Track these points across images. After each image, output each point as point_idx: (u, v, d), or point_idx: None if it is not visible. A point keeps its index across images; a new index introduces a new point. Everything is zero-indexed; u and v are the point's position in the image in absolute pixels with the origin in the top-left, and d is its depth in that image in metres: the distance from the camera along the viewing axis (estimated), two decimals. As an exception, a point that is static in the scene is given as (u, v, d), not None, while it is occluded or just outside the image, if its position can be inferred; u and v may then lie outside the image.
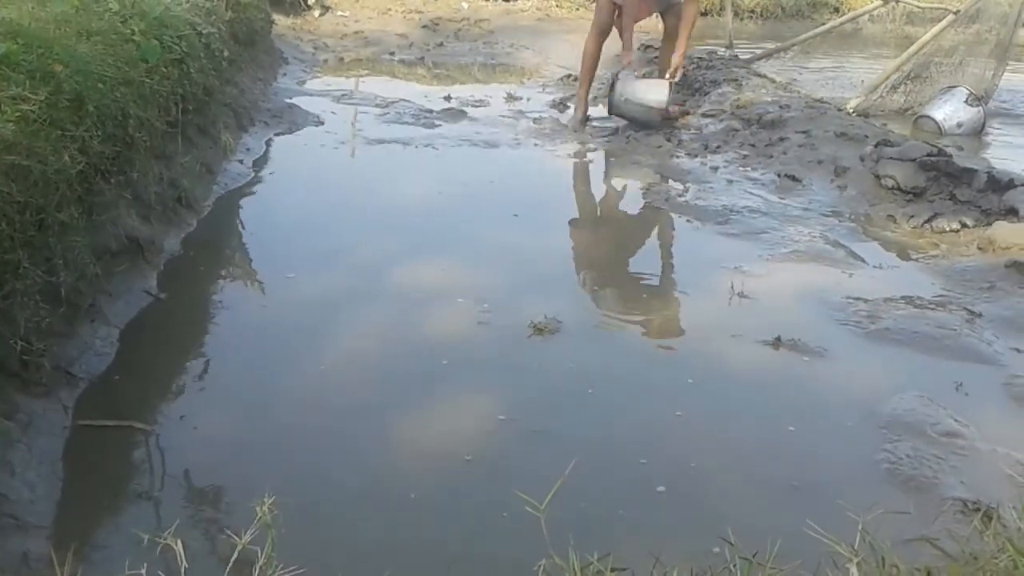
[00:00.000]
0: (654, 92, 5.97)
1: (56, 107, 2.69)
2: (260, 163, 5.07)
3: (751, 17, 11.95)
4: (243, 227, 4.14)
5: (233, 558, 1.31)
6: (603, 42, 6.28)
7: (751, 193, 4.84)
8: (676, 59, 6.02)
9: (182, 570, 1.25)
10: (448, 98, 6.92)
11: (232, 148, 4.94)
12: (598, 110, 6.77)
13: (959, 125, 6.29)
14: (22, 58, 2.73)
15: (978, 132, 6.38)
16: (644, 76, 6.26)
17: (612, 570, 1.29)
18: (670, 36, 6.27)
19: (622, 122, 6.33)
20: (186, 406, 2.62)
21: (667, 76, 6.06)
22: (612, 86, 6.06)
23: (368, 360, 2.96)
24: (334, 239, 4.01)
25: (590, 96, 6.47)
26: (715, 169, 5.25)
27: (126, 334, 2.94)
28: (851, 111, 6.42)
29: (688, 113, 6.42)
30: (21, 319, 2.36)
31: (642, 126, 6.06)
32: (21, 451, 2.19)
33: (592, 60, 6.27)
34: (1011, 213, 4.20)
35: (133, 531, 1.90)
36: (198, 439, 2.46)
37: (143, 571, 1.26)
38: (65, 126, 2.71)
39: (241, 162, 4.92)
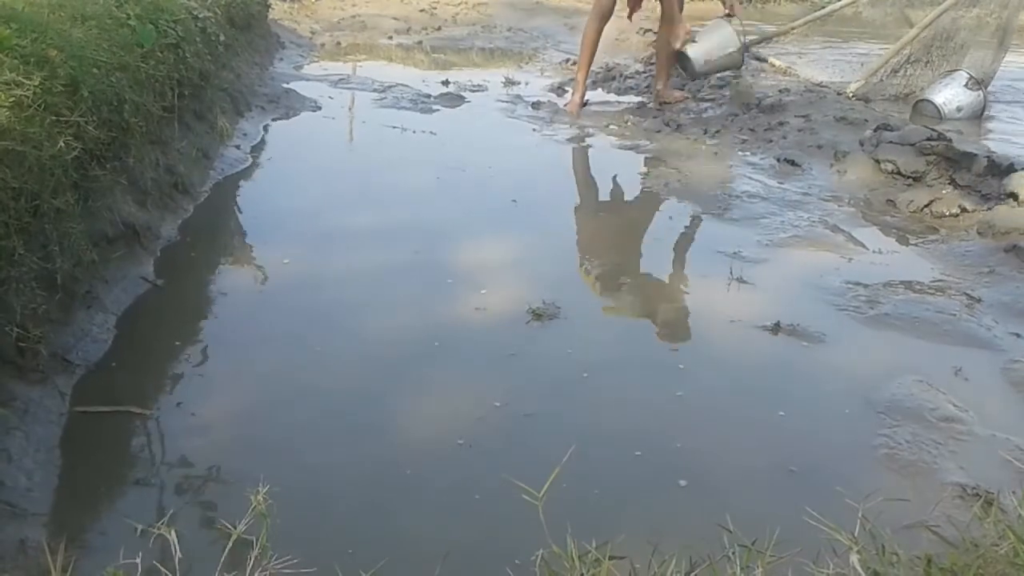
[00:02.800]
0: (723, 37, 6.18)
1: (51, 92, 2.67)
2: (257, 149, 5.05)
3: (751, 1, 11.89)
4: (240, 213, 4.13)
5: (228, 547, 1.31)
6: (603, 27, 6.25)
7: (750, 178, 4.82)
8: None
9: (176, 560, 1.25)
10: (446, 83, 6.89)
11: (229, 133, 4.92)
12: (597, 94, 6.75)
13: (959, 109, 6.27)
14: (16, 43, 2.70)
15: (978, 116, 6.35)
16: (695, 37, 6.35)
17: (610, 558, 1.28)
18: (666, 20, 6.24)
19: (620, 106, 6.32)
20: (183, 393, 2.61)
21: (725, 13, 6.26)
22: (683, 60, 6.24)
23: (364, 345, 2.96)
24: (331, 225, 3.99)
25: (588, 80, 6.44)
26: (714, 154, 5.23)
27: (123, 321, 2.93)
28: (851, 95, 6.40)
29: (687, 97, 6.40)
30: (17, 306, 2.35)
31: (730, 71, 6.40)
32: (18, 438, 2.19)
33: (592, 45, 6.24)
34: (1011, 197, 4.19)
35: (129, 519, 1.90)
36: (195, 426, 2.45)
37: (138, 560, 1.25)
38: (60, 111, 2.69)
39: (238, 147, 4.90)
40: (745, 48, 6.30)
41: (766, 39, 7.92)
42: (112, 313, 2.94)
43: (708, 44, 6.18)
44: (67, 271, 2.66)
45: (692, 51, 6.14)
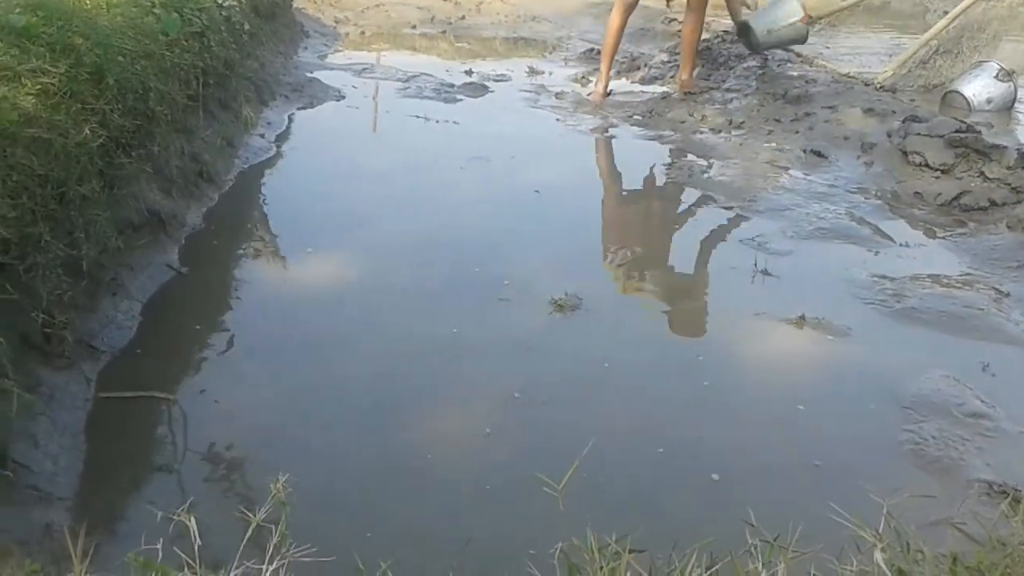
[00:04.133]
0: (789, 7, 6.10)
1: (76, 80, 2.69)
2: (281, 138, 5.06)
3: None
4: (264, 202, 4.14)
5: (247, 535, 1.31)
6: (628, 17, 6.21)
7: (776, 169, 4.77)
8: None
9: (195, 547, 1.25)
10: (470, 72, 6.88)
11: (253, 122, 4.93)
12: (621, 84, 6.71)
13: (989, 101, 6.17)
14: (42, 31, 2.72)
15: (1008, 108, 6.25)
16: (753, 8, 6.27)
17: (630, 551, 1.28)
18: (692, 8, 6.20)
19: (645, 96, 6.27)
20: (206, 380, 2.63)
21: None
22: (746, 31, 6.21)
23: (387, 334, 2.96)
24: (354, 214, 4.00)
25: (612, 70, 6.41)
26: (739, 144, 5.19)
27: (148, 308, 2.95)
28: (879, 86, 6.32)
29: (712, 87, 6.34)
30: (43, 292, 2.37)
31: (794, 44, 6.33)
32: (43, 424, 2.21)
33: (616, 34, 6.20)
34: (1042, 191, 4.13)
35: (151, 505, 1.91)
36: (218, 413, 2.47)
37: (159, 546, 1.26)
38: (85, 99, 2.71)
39: (262, 136, 4.92)
40: (811, 18, 6.17)
41: (831, 13, 7.78)
42: (137, 300, 2.96)
43: (772, 15, 6.11)
44: (93, 258, 2.68)
45: (755, 22, 6.05)
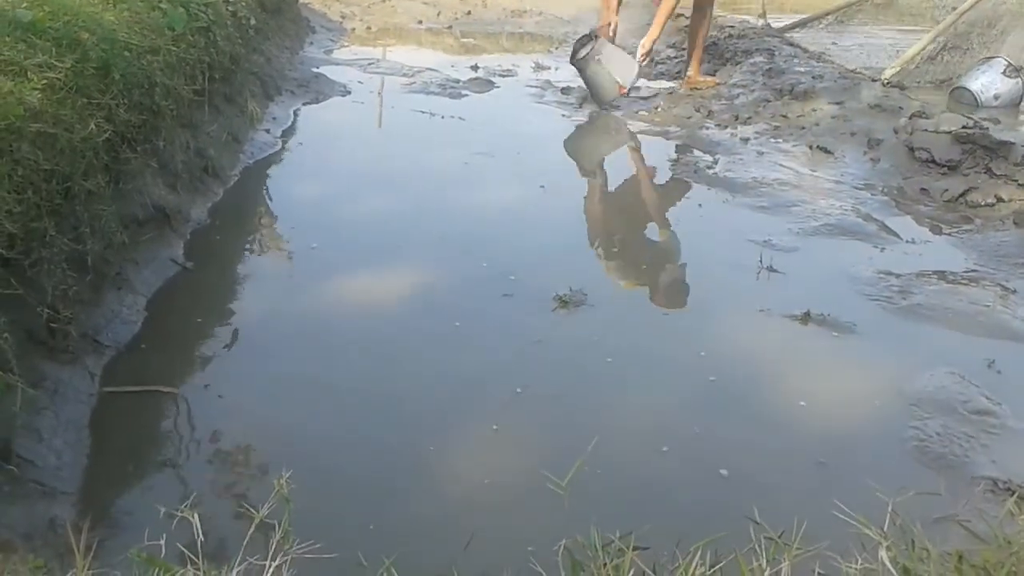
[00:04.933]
0: (629, 69, 5.89)
1: (82, 75, 2.69)
2: (287, 133, 5.06)
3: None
4: (269, 197, 4.14)
5: (250, 532, 1.31)
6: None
7: (782, 165, 4.76)
8: (645, 42, 5.98)
9: (198, 543, 1.25)
10: (475, 67, 6.87)
11: (259, 117, 4.93)
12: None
13: (996, 97, 6.14)
14: (48, 25, 2.72)
15: (1016, 104, 6.22)
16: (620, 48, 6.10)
17: (634, 548, 1.27)
18: (699, 5, 6.18)
19: (649, 92, 6.26)
20: (211, 375, 2.63)
21: (639, 58, 5.98)
22: (588, 41, 5.98)
23: (391, 329, 2.96)
24: (359, 210, 4.00)
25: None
26: (745, 140, 5.18)
27: (153, 303, 2.96)
28: (886, 82, 6.29)
29: (719, 83, 6.33)
30: (48, 287, 2.37)
31: (591, 93, 5.98)
32: (48, 418, 2.21)
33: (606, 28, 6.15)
34: (1049, 187, 4.11)
35: (156, 500, 1.91)
36: (222, 408, 2.47)
37: (162, 542, 1.26)
38: (91, 94, 2.71)
39: (268, 131, 4.92)
40: (619, 92, 5.88)
41: (800, 24, 7.82)
42: (142, 295, 2.96)
43: (615, 57, 5.88)
44: (98, 253, 2.68)
45: (603, 44, 5.83)
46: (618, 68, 5.85)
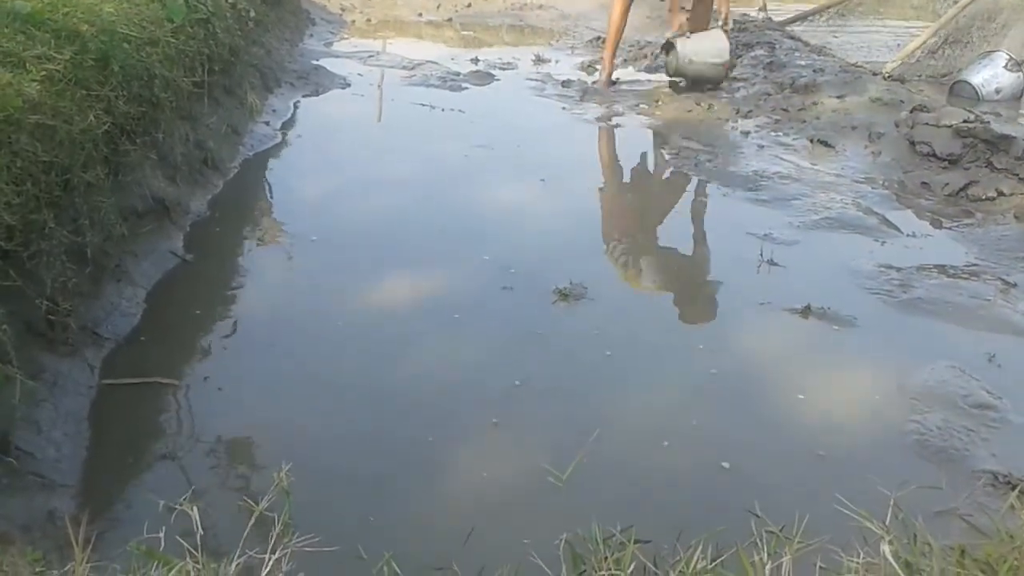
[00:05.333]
0: (718, 47, 5.96)
1: (81, 67, 2.68)
2: (287, 126, 5.05)
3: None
4: (269, 190, 4.13)
5: (250, 524, 1.31)
6: (630, 5, 6.15)
7: (782, 159, 4.75)
8: (726, 7, 6.11)
9: (198, 537, 1.25)
10: (476, 60, 6.85)
11: (258, 109, 4.92)
12: (628, 72, 6.69)
13: (997, 91, 6.13)
14: (47, 17, 2.71)
15: (1018, 98, 6.21)
16: (689, 34, 6.14)
17: (635, 542, 1.27)
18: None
19: (652, 85, 6.25)
20: (211, 367, 2.62)
21: (721, 26, 6.06)
22: (669, 50, 6.03)
23: (390, 322, 2.96)
24: (359, 203, 3.99)
25: (619, 59, 6.38)
26: (746, 134, 5.17)
27: (152, 295, 2.95)
28: (887, 76, 6.28)
29: (734, 66, 6.30)
30: (47, 279, 2.36)
31: (706, 82, 6.06)
32: (47, 410, 2.21)
33: (618, 22, 6.15)
34: (1050, 181, 4.10)
35: (154, 492, 1.91)
36: (222, 400, 2.47)
37: (161, 535, 1.25)
38: (90, 86, 2.70)
39: (267, 124, 4.90)
40: (731, 67, 6.11)
41: (801, 18, 7.79)
42: (142, 287, 2.95)
43: (702, 47, 5.94)
44: (97, 245, 2.68)
45: (681, 47, 5.93)
46: (708, 52, 5.93)
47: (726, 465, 2.29)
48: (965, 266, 3.50)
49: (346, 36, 7.85)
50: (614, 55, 6.27)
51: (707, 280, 3.48)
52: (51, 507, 1.95)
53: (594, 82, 6.29)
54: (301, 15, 7.83)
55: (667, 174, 4.73)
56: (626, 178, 4.86)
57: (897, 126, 4.85)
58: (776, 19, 7.99)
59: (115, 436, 2.27)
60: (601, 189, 4.54)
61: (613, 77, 6.26)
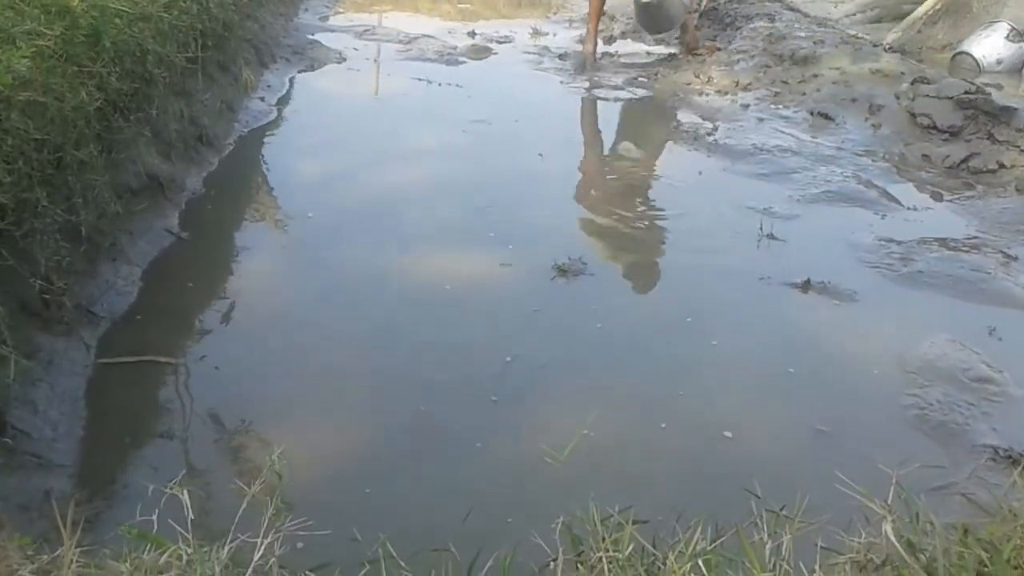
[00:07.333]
0: None
1: (72, 42, 2.64)
2: (282, 101, 5.00)
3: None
4: (265, 166, 4.10)
5: (242, 508, 1.30)
6: None
7: (782, 132, 4.72)
8: None
9: (188, 521, 1.24)
10: (472, 34, 6.79)
11: (253, 85, 4.87)
12: (626, 45, 6.64)
13: (999, 62, 6.08)
14: (37, -9, 2.67)
15: (1019, 69, 6.15)
16: None
17: (633, 522, 1.26)
18: None
19: (650, 58, 6.20)
20: (207, 346, 2.61)
21: None
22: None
23: (388, 298, 2.95)
24: (356, 179, 3.96)
25: (619, 31, 6.31)
26: (745, 107, 5.13)
27: (148, 273, 2.93)
28: (887, 47, 6.22)
29: (719, 48, 6.25)
30: (41, 258, 2.34)
31: (663, 24, 6.08)
32: (43, 390, 2.20)
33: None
34: (1052, 153, 4.07)
35: (151, 472, 1.90)
36: (218, 379, 2.46)
37: (154, 517, 1.24)
38: (82, 62, 2.66)
39: (262, 100, 4.86)
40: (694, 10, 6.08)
41: None
42: (137, 265, 2.93)
43: None
44: (91, 223, 2.65)
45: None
46: None
47: (730, 434, 2.28)
48: (966, 239, 3.48)
49: (341, 10, 7.78)
50: (597, 25, 6.17)
51: (707, 254, 3.45)
52: (48, 486, 1.95)
53: (577, 57, 6.18)
54: (296, -12, 7.74)
55: (667, 148, 4.69)
56: (625, 153, 4.82)
57: (898, 98, 4.81)
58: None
59: (112, 415, 2.26)
60: (599, 164, 4.51)
61: (611, 50, 6.18)
